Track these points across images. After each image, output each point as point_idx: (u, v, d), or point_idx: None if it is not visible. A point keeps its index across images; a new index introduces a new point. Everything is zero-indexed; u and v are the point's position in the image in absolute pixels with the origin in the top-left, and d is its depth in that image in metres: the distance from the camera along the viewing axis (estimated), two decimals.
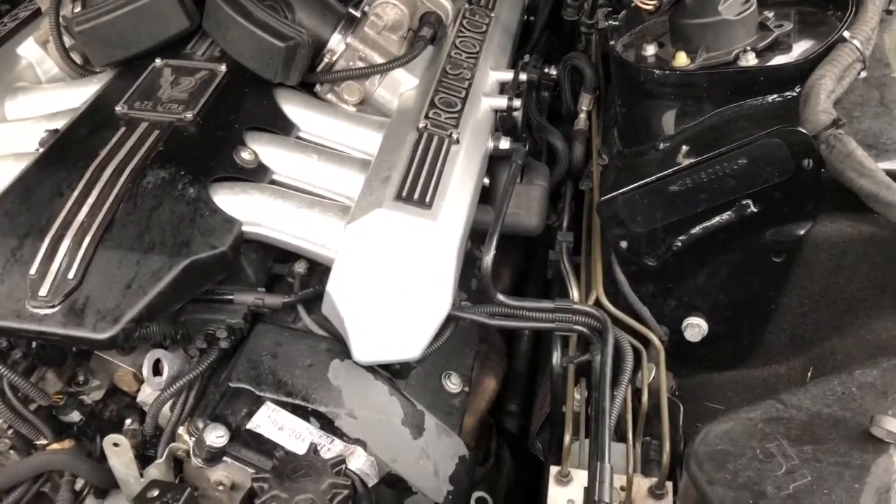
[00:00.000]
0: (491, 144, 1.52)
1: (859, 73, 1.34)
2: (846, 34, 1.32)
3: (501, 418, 1.71)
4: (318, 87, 1.56)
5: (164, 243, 1.20)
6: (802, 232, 1.31)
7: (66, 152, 1.36)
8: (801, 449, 0.99)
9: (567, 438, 1.24)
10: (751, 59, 1.37)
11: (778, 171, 1.25)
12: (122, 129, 1.37)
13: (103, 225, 1.22)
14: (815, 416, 1.03)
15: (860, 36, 1.32)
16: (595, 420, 1.17)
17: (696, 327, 1.43)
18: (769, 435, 1.02)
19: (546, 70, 1.75)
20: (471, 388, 1.49)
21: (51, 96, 1.59)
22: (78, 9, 1.60)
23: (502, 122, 1.59)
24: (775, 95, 1.35)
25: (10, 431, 1.33)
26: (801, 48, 1.39)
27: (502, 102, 1.58)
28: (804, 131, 1.21)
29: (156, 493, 1.11)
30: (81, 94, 1.54)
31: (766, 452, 1.00)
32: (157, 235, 1.21)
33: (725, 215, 1.32)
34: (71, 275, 1.17)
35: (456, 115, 1.47)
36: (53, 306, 1.15)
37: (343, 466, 1.01)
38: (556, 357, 1.35)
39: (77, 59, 1.62)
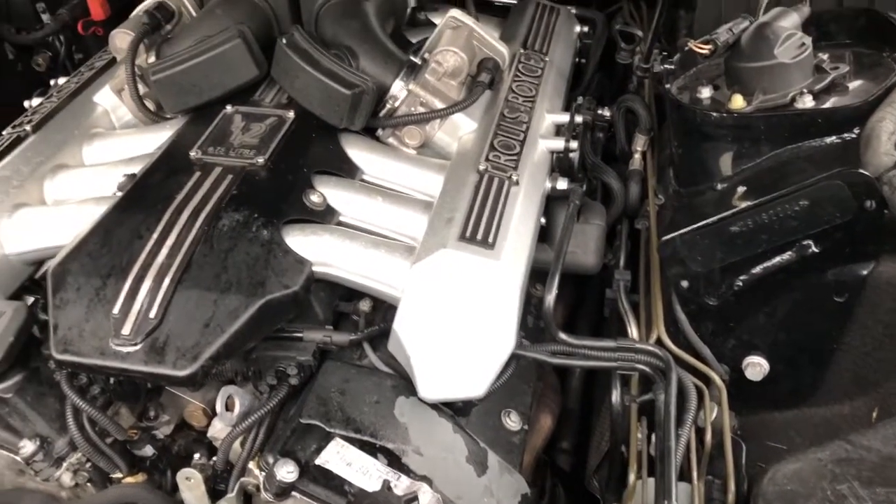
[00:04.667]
0: (549, 185, 1.56)
1: None
2: None
3: (553, 456, 1.72)
4: (379, 132, 1.61)
5: (240, 283, 1.25)
6: (865, 272, 1.32)
7: (144, 196, 1.42)
8: (874, 491, 0.99)
9: (632, 477, 1.25)
10: (808, 102, 1.39)
11: (840, 212, 1.26)
12: (197, 174, 1.43)
13: (182, 266, 1.27)
14: (887, 458, 1.03)
15: None
16: (660, 460, 1.17)
17: (756, 366, 1.44)
18: (839, 476, 1.02)
19: (599, 111, 1.79)
20: (529, 426, 1.50)
21: (126, 142, 1.66)
22: (152, 59, 1.68)
23: (559, 163, 1.62)
24: (834, 137, 1.36)
25: (88, 465, 1.37)
26: (857, 90, 1.41)
27: (559, 144, 1.61)
28: (866, 173, 1.23)
29: None
30: (155, 139, 1.62)
31: (837, 494, 1.01)
32: (233, 276, 1.26)
33: (786, 255, 1.33)
34: (152, 314, 1.22)
35: (515, 158, 1.51)
36: (136, 344, 1.20)
37: (416, 503, 1.03)
38: (616, 395, 1.36)
39: (150, 105, 1.69)
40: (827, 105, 1.39)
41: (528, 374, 1.54)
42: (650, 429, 1.37)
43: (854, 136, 1.34)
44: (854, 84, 1.43)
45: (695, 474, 1.25)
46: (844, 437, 1.07)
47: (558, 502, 1.63)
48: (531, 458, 1.52)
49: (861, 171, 1.23)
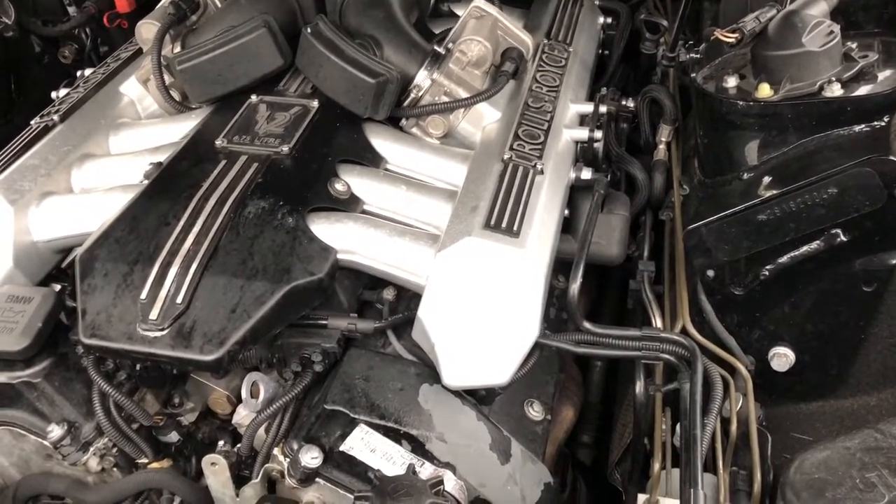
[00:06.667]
0: (573, 175, 1.55)
1: None
2: None
3: (575, 450, 1.72)
4: (403, 121, 1.61)
5: (266, 270, 1.26)
6: (894, 262, 1.30)
7: (171, 184, 1.43)
8: None
9: (657, 467, 1.24)
10: (836, 90, 1.37)
11: (869, 201, 1.25)
12: (223, 162, 1.44)
13: (208, 252, 1.28)
14: None
15: None
16: (686, 448, 1.17)
17: (782, 357, 1.43)
18: (868, 464, 1.02)
19: (623, 102, 1.78)
20: (551, 417, 1.50)
21: (152, 131, 1.68)
22: (178, 49, 1.69)
23: (583, 153, 1.62)
24: (863, 125, 1.35)
25: (114, 450, 1.39)
26: (886, 78, 1.39)
27: (583, 134, 1.60)
28: None
29: None
30: (181, 128, 1.63)
31: (866, 482, 1.00)
32: (259, 262, 1.27)
33: (814, 244, 1.32)
34: (179, 299, 1.23)
35: (539, 147, 1.50)
36: (163, 329, 1.21)
37: (441, 487, 1.03)
38: (640, 386, 1.35)
39: (175, 95, 1.70)
40: (856, 93, 1.37)
41: (550, 366, 1.54)
42: (674, 419, 1.37)
43: (883, 123, 1.32)
44: (883, 73, 1.41)
45: (720, 464, 1.24)
46: (873, 425, 1.06)
47: (579, 495, 1.63)
48: (553, 450, 1.51)
49: (891, 157, 1.22)
